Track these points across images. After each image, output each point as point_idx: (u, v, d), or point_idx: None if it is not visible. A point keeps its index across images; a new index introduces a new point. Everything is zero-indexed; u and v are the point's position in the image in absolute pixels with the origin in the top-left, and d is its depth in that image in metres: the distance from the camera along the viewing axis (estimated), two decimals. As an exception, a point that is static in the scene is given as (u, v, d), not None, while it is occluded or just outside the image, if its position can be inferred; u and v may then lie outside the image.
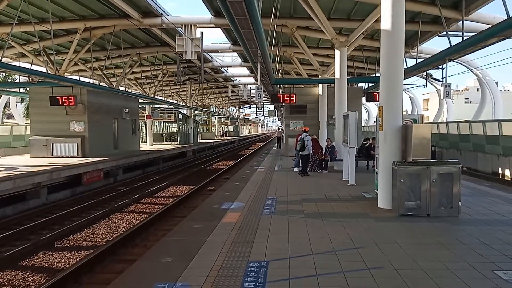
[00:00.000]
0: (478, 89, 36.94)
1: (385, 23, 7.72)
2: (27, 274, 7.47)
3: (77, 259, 8.21)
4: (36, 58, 19.05)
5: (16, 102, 33.27)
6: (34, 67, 19.36)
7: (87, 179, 15.92)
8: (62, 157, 18.86)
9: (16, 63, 19.07)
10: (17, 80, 24.52)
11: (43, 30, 15.74)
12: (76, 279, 6.93)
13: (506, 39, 11.36)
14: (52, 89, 18.37)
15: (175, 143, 35.64)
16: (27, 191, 12.95)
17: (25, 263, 8.07)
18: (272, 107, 56.54)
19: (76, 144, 19.33)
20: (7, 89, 25.16)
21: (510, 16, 9.62)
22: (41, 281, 7.18)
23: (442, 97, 16.55)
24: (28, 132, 22.95)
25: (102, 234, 10.23)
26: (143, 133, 35.86)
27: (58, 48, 19.07)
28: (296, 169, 14.76)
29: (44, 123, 19.56)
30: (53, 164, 15.42)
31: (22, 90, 24.89)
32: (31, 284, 7.10)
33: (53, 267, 7.91)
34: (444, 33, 13.89)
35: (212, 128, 61.29)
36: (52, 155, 19.13)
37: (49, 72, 17.19)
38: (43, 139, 19.41)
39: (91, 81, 23.01)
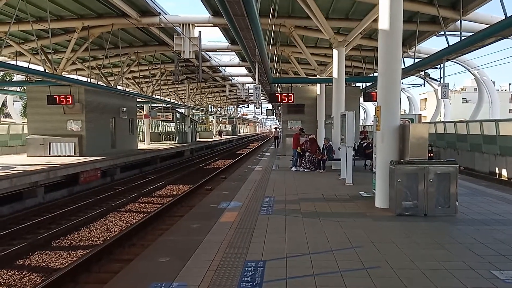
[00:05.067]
0: (475, 89, 37.03)
1: (383, 23, 7.72)
2: (24, 273, 7.45)
3: (74, 259, 8.19)
4: (34, 57, 18.99)
5: (14, 101, 33.16)
6: (32, 66, 19.29)
7: (84, 179, 15.89)
8: (59, 156, 18.80)
9: (14, 62, 19.02)
10: (15, 79, 24.42)
11: (41, 29, 15.68)
12: (73, 279, 6.91)
13: (504, 39, 11.37)
14: (50, 88, 18.31)
15: (173, 142, 35.58)
16: (24, 190, 12.91)
17: (21, 263, 8.04)
18: (270, 106, 56.48)
19: (74, 143, 19.28)
20: (5, 88, 25.06)
21: (508, 15, 9.63)
22: (38, 280, 7.16)
23: (439, 97, 16.63)
24: (25, 131, 22.87)
25: (99, 233, 10.22)
26: (141, 132, 35.79)
27: (56, 47, 19.02)
28: (293, 169, 14.76)
29: (42, 122, 19.52)
30: (50, 163, 15.38)
31: (19, 89, 24.80)
32: (27, 283, 7.08)
33: (50, 266, 7.89)
34: (442, 33, 13.89)
35: (210, 127, 61.19)
36: (49, 154, 19.06)
37: (46, 71, 17.16)
38: (40, 138, 19.36)
39: (88, 80, 22.92)
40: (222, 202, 8.67)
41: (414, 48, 16.28)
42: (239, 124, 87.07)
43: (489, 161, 18.11)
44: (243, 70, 31.29)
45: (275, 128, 41.16)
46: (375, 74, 19.48)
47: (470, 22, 13.73)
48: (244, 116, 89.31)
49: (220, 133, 64.98)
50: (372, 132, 12.07)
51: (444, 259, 4.97)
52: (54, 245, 9.27)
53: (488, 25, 11.50)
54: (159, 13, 15.59)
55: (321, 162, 14.49)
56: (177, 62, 20.52)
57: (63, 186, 15.07)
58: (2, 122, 33.79)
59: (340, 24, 15.48)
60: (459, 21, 12.73)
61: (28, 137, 19.82)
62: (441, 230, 6.38)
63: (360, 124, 36.92)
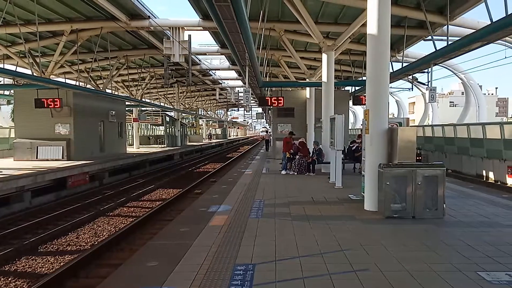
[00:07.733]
0: (462, 93, 37.54)
1: (371, 28, 7.79)
2: (9, 279, 7.33)
3: (61, 264, 8.09)
4: (21, 60, 18.77)
5: (1, 105, 32.75)
6: (19, 69, 19.07)
7: (72, 183, 15.72)
8: (47, 160, 18.60)
9: (1, 65, 18.76)
10: (2, 82, 24.11)
11: (29, 32, 15.52)
12: (60, 284, 6.82)
13: (490, 43, 11.58)
14: (37, 91, 18.13)
15: (162, 146, 35.42)
16: (10, 194, 12.72)
17: (7, 268, 7.91)
18: (260, 110, 56.54)
19: (61, 147, 19.10)
20: (-9, 92, 24.75)
21: (494, 21, 9.78)
22: (24, 286, 7.06)
23: (427, 101, 16.82)
24: (13, 135, 22.58)
25: (86, 238, 10.10)
26: (130, 136, 35.54)
27: (43, 50, 18.82)
28: (283, 172, 14.78)
29: (29, 126, 19.30)
30: (38, 167, 15.20)
31: (6, 92, 24.51)
32: (13, 289, 6.97)
33: (36, 272, 7.77)
34: (429, 37, 14.05)
35: (200, 131, 61.02)
36: (37, 158, 18.85)
37: (34, 74, 16.97)
38: (28, 142, 19.13)
39: (77, 84, 22.74)
40: (211, 205, 8.63)
41: (402, 53, 16.46)
42: (229, 127, 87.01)
43: (476, 164, 18.33)
44: (233, 74, 31.29)
45: (266, 131, 41.22)
46: (364, 78, 19.62)
47: (457, 27, 13.95)
48: (234, 120, 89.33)
49: (209, 136, 64.63)
50: None
51: (432, 261, 5.01)
52: (41, 250, 9.14)
53: (474, 30, 11.68)
54: (149, 16, 15.55)
55: (311, 165, 14.53)
56: (167, 65, 20.44)
57: (51, 190, 14.88)
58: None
59: (329, 28, 15.58)
60: (446, 26, 12.90)
61: (15, 141, 19.58)
62: (429, 233, 6.43)
63: (350, 127, 37.22)
